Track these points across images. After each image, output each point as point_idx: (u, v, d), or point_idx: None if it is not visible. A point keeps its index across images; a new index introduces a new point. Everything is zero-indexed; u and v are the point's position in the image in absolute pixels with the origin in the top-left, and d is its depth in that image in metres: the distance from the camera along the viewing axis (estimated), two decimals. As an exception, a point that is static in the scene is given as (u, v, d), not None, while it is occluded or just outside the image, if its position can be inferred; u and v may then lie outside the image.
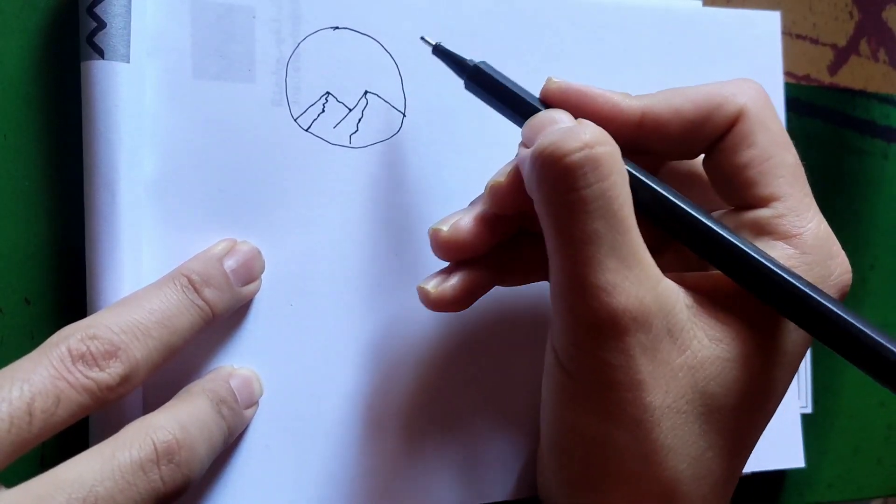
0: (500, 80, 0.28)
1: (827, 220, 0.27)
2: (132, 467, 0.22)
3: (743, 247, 0.25)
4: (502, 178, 0.27)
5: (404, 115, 0.31)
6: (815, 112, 0.42)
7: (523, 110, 0.27)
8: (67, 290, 0.29)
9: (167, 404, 0.26)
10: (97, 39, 0.27)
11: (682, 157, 0.29)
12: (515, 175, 0.27)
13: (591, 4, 0.34)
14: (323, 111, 0.30)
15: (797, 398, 0.37)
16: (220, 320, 0.27)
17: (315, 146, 0.30)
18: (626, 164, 0.25)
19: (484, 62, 0.28)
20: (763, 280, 0.25)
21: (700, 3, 0.37)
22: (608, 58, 0.34)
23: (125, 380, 0.23)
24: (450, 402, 0.32)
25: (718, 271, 0.26)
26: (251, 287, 0.29)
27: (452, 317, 0.31)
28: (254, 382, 0.29)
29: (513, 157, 0.28)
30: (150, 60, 0.28)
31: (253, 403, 0.29)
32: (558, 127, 0.25)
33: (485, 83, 0.28)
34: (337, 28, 0.31)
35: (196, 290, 0.26)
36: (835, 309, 0.24)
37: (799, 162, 0.27)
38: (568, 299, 0.24)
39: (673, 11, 0.35)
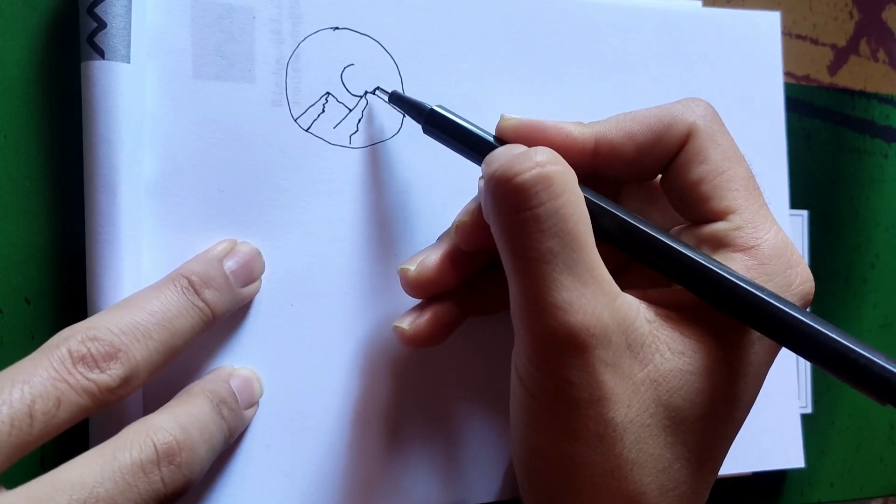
0: (457, 120, 0.28)
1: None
2: (133, 468, 0.22)
3: (701, 261, 0.25)
4: (466, 218, 0.28)
5: (404, 116, 0.31)
6: (815, 112, 0.42)
7: (481, 148, 0.27)
8: (67, 290, 0.29)
9: (167, 405, 0.26)
10: (97, 39, 0.27)
11: (639, 178, 0.29)
12: (479, 212, 0.27)
13: (591, 4, 0.34)
14: (323, 111, 0.30)
15: (797, 398, 0.37)
16: (219, 321, 0.27)
17: (315, 146, 0.30)
18: (584, 190, 0.26)
19: (440, 105, 0.28)
20: (723, 292, 0.25)
21: (700, 3, 0.37)
22: (608, 58, 0.34)
23: (125, 381, 0.23)
24: (452, 401, 0.32)
25: (680, 286, 0.26)
26: (251, 288, 0.29)
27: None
28: (254, 383, 0.29)
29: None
30: (151, 61, 0.28)
31: (253, 404, 0.29)
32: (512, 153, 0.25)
33: (441, 125, 0.28)
34: (337, 28, 0.31)
35: (196, 291, 0.26)
36: (799, 315, 0.24)
37: (752, 174, 0.28)
38: (526, 318, 0.25)
39: (673, 12, 0.35)
